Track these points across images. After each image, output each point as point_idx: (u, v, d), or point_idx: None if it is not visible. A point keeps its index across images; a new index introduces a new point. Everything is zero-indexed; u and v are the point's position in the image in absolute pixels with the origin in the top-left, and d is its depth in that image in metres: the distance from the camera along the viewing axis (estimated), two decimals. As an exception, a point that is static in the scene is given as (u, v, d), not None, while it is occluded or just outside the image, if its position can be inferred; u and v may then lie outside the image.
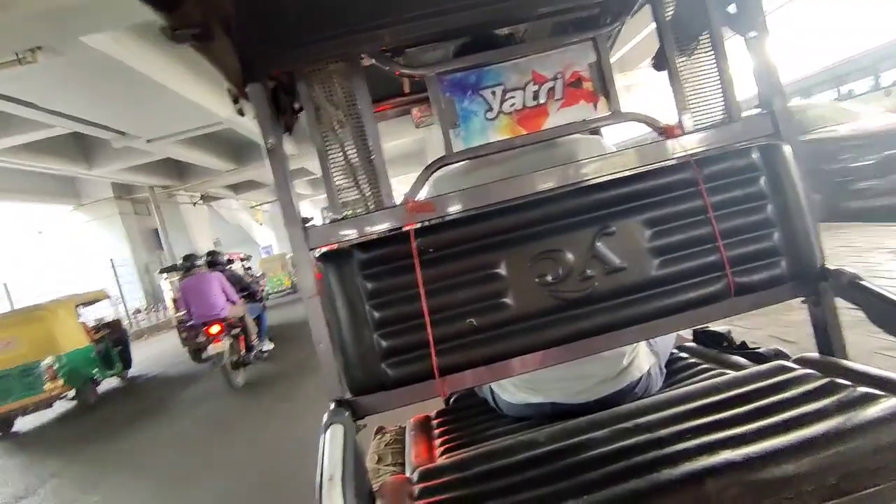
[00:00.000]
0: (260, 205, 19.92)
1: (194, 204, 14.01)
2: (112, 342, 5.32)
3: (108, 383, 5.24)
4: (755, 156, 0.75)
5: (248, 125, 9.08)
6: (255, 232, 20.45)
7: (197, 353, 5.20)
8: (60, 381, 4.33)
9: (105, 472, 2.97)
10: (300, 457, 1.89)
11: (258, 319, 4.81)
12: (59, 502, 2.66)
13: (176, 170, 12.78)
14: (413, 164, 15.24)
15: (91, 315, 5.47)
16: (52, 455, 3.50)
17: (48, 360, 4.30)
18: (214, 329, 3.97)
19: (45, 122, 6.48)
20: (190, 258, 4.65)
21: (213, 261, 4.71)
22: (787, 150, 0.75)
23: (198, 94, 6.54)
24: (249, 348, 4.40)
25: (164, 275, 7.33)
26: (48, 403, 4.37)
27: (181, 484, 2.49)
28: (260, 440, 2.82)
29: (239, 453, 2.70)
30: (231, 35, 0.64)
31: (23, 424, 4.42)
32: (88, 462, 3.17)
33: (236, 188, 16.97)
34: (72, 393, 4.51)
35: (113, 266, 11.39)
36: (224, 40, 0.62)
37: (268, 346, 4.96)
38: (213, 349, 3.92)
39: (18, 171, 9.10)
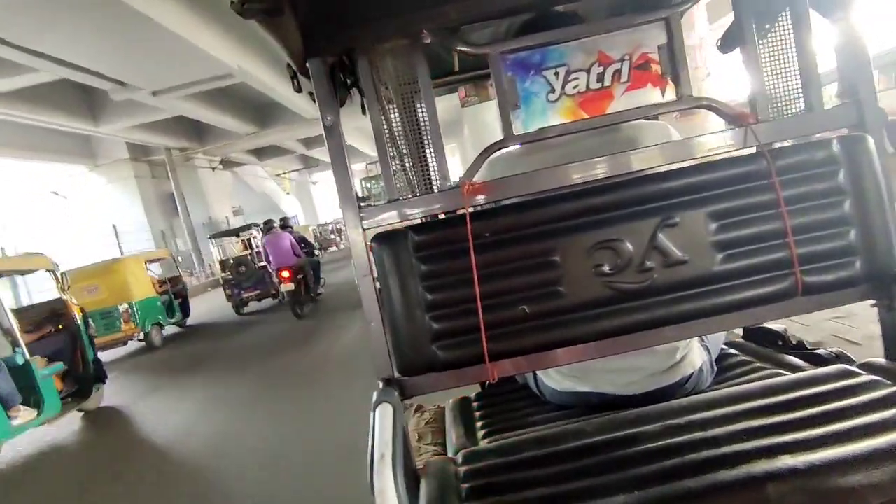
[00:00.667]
0: (286, 173, 19.46)
1: (213, 168, 13.20)
2: (173, 294, 6.13)
3: (170, 330, 6.18)
4: (835, 148, 0.70)
5: (265, 79, 8.13)
6: (282, 201, 19.94)
7: (239, 307, 6.58)
8: (133, 324, 5.30)
9: (186, 391, 3.63)
10: (345, 350, 3.74)
11: (315, 270, 6.37)
12: (163, 407, 3.37)
13: (194, 131, 12.03)
14: (447, 133, 14.41)
15: (156, 270, 6.36)
16: (141, 379, 4.35)
17: (124, 306, 5.27)
18: (286, 274, 5.38)
19: (28, 66, 5.90)
20: (269, 222, 6.19)
21: (285, 224, 6.65)
22: (870, 142, 0.70)
23: (203, 38, 5.98)
24: (308, 290, 5.85)
25: (213, 240, 8.10)
26: (124, 342, 5.40)
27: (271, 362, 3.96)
28: (314, 348, 4.11)
29: (305, 354, 4.00)
30: (296, 10, 0.63)
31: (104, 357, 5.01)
32: (175, 383, 3.89)
33: (259, 154, 16.11)
34: (141, 335, 5.45)
35: (115, 232, 10.46)
36: (289, 15, 0.61)
37: (321, 289, 6.65)
38: (283, 288, 5.44)
39: (27, 126, 8.58)
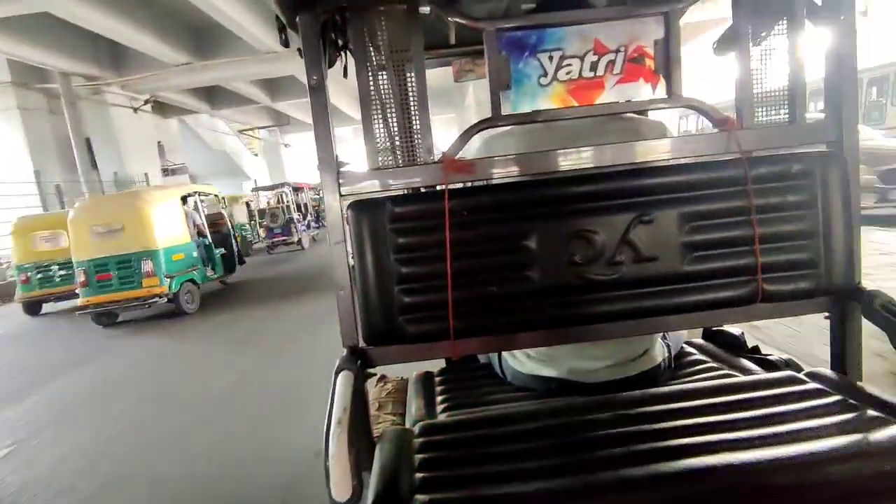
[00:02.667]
0: (251, 129, 15.89)
1: (135, 109, 9.58)
2: (214, 241, 5.42)
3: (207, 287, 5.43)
4: (812, 163, 0.71)
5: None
6: (246, 162, 17.18)
7: (270, 248, 8.53)
8: (156, 280, 4.41)
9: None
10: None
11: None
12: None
13: (107, 55, 8.68)
14: (443, 104, 12.88)
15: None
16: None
17: (146, 255, 4.43)
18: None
19: None
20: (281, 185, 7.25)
21: (296, 188, 7.91)
22: (846, 163, 0.72)
23: None
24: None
25: (255, 193, 9.03)
26: (145, 303, 4.45)
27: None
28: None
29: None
30: None
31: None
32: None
33: (211, 99, 12.30)
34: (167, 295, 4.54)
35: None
36: None
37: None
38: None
39: None
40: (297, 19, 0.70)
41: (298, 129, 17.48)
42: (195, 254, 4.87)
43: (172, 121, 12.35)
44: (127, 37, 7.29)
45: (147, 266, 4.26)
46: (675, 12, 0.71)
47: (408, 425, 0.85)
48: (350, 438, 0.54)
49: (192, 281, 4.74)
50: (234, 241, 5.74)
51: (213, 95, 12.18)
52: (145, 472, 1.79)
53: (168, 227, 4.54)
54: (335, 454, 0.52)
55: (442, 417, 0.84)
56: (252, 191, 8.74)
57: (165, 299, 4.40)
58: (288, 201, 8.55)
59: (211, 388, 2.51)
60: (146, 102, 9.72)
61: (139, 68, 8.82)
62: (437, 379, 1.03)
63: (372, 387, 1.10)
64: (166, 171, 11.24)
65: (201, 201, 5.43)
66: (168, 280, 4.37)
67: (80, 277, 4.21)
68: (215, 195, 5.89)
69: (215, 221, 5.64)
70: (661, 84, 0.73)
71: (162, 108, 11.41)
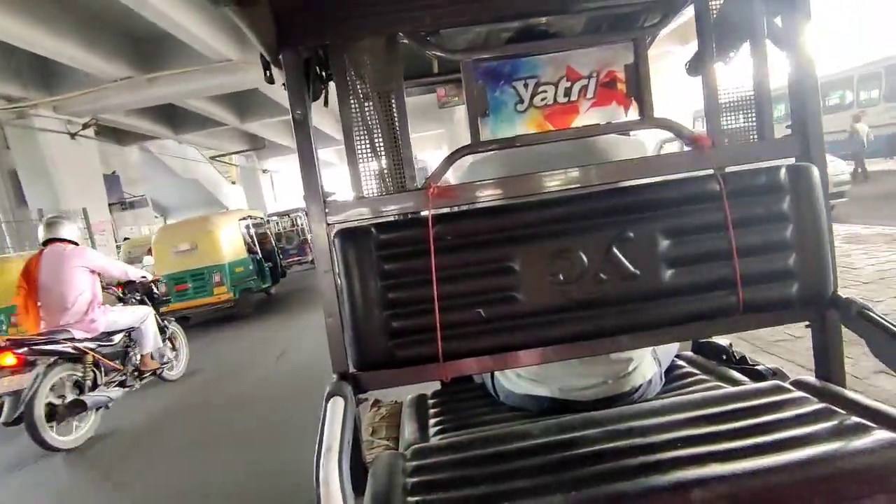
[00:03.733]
0: (223, 155, 14.27)
1: (73, 135, 7.74)
2: (263, 257, 6.21)
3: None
4: (782, 175, 0.73)
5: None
6: (223, 191, 15.77)
7: (284, 269, 7.71)
8: (224, 288, 5.29)
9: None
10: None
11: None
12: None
13: (32, 72, 7.08)
14: (431, 119, 12.01)
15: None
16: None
17: (216, 268, 5.28)
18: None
19: None
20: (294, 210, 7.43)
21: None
22: (815, 172, 0.74)
23: None
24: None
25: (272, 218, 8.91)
26: (215, 308, 5.43)
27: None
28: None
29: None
30: (271, 0, 0.63)
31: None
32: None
33: (173, 124, 10.71)
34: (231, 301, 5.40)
35: None
36: (262, 5, 0.61)
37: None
38: None
39: None
40: (280, 56, 0.72)
41: (277, 152, 15.99)
42: (251, 267, 5.72)
43: (132, 149, 11.21)
44: (47, 48, 5.87)
45: (217, 277, 5.19)
46: (643, 38, 0.74)
47: (401, 449, 0.85)
48: (340, 465, 0.54)
49: (249, 290, 5.67)
50: (277, 256, 6.69)
51: (175, 118, 10.68)
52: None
53: (231, 245, 5.50)
54: (325, 481, 0.52)
55: (435, 440, 0.84)
56: (268, 216, 8.96)
57: (231, 304, 5.31)
58: (301, 224, 8.94)
59: (278, 342, 4.08)
60: (86, 126, 7.90)
61: (73, 86, 7.16)
62: (431, 401, 1.03)
63: (366, 412, 1.10)
64: (123, 205, 10.03)
65: (252, 223, 6.38)
66: (233, 288, 5.29)
67: (162, 289, 4.75)
68: (261, 217, 7.11)
69: (262, 240, 6.46)
70: (634, 106, 0.76)
71: (118, 135, 10.27)
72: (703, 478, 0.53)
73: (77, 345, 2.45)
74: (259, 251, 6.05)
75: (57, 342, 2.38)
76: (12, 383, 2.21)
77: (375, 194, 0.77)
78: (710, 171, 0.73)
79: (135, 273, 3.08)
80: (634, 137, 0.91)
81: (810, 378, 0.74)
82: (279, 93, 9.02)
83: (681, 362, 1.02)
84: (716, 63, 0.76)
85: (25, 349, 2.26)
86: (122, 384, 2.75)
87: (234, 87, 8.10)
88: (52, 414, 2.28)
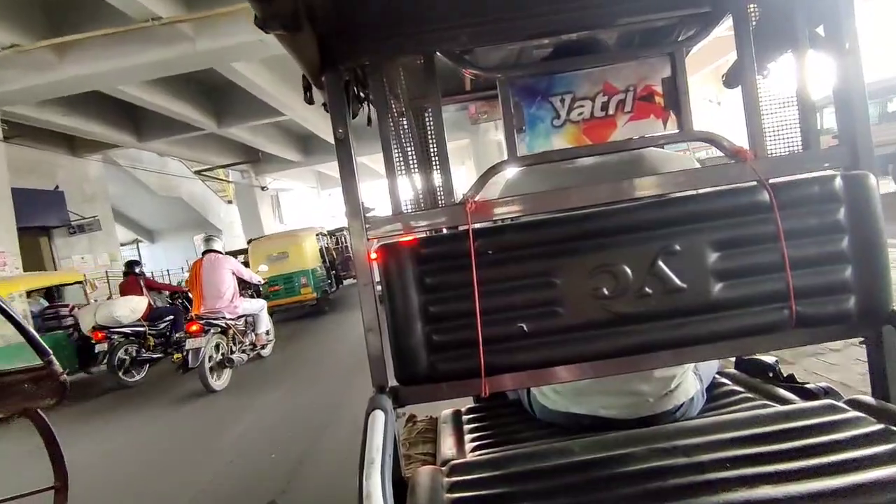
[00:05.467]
0: (209, 170, 12.16)
1: None
2: (330, 266, 7.64)
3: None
4: (836, 185, 0.71)
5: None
6: (214, 211, 13.92)
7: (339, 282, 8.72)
8: (309, 289, 6.73)
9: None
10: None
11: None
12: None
13: None
14: (456, 129, 10.36)
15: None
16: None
17: (303, 273, 6.74)
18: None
19: None
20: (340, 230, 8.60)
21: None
22: (871, 181, 0.71)
23: None
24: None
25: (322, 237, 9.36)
26: (301, 305, 6.95)
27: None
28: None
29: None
30: (314, 25, 0.65)
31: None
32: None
33: (137, 129, 8.69)
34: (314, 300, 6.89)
35: None
36: (308, 30, 0.63)
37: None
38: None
39: None
40: (323, 77, 0.74)
41: (277, 166, 13.47)
42: (325, 273, 7.09)
43: (90, 162, 9.09)
44: None
45: (304, 280, 6.61)
46: (679, 52, 0.74)
47: (438, 464, 0.84)
48: (383, 479, 0.54)
49: (325, 291, 7.07)
50: (337, 267, 7.83)
51: (138, 122, 8.73)
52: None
53: (312, 254, 6.95)
54: (368, 495, 0.53)
55: (472, 456, 0.83)
56: (316, 235, 9.25)
57: (314, 301, 6.77)
58: (346, 242, 9.53)
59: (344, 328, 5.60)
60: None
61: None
62: (466, 417, 1.02)
63: (402, 427, 1.10)
64: (71, 229, 8.09)
65: (322, 237, 7.79)
66: (316, 289, 6.71)
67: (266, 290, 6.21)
68: (327, 233, 8.30)
69: (329, 253, 7.81)
70: (672, 119, 0.76)
71: (72, 143, 8.43)
72: (753, 500, 0.51)
73: (227, 321, 3.88)
74: (328, 261, 7.42)
75: (217, 319, 3.80)
76: (194, 343, 3.54)
77: (413, 209, 0.78)
78: (757, 182, 0.71)
79: (256, 278, 4.62)
80: (683, 154, 0.91)
81: (867, 397, 0.71)
82: (264, 87, 7.45)
83: (723, 379, 0.99)
84: (758, 74, 0.74)
85: (204, 322, 3.69)
86: (243, 352, 4.06)
87: (182, 65, 5.75)
88: (212, 367, 3.62)
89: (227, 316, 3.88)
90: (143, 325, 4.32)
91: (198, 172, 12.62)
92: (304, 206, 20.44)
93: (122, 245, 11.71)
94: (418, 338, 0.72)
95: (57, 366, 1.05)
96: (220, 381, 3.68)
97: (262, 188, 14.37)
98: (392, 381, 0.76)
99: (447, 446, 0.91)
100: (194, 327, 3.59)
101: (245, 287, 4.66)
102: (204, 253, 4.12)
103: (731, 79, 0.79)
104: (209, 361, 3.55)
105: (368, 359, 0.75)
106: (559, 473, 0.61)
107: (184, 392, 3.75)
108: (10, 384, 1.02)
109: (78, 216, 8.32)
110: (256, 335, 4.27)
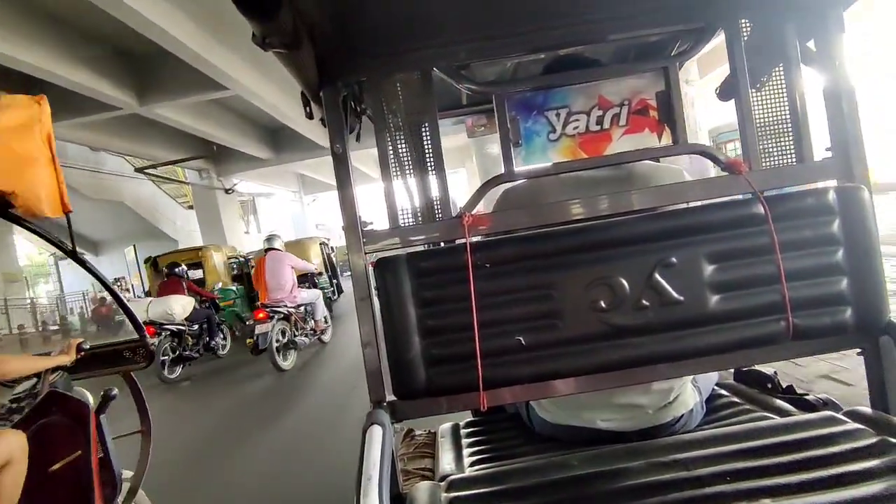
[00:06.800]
0: (153, 167, 9.28)
1: None
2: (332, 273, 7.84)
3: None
4: (830, 197, 0.71)
5: None
6: (167, 218, 11.75)
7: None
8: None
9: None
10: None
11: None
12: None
13: None
14: (449, 130, 9.73)
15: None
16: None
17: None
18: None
19: None
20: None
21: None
22: (865, 194, 0.71)
23: None
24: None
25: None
26: None
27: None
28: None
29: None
30: (313, 43, 0.65)
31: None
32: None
33: (81, 113, 6.61)
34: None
35: None
36: (307, 48, 0.64)
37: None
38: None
39: None
40: (321, 93, 0.74)
41: (245, 163, 10.87)
42: (328, 281, 7.20)
43: None
44: None
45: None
46: (673, 66, 0.75)
47: (437, 479, 0.85)
48: (381, 495, 0.54)
49: (329, 298, 7.04)
50: (338, 275, 8.05)
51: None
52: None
53: (317, 261, 7.15)
54: None
55: (471, 471, 0.83)
56: (319, 244, 8.99)
57: None
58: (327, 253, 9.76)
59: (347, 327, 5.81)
60: None
61: None
62: (465, 431, 1.02)
63: (400, 441, 1.09)
64: None
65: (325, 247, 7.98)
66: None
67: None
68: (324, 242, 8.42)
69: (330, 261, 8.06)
70: (667, 132, 0.76)
71: None
72: None
73: (288, 309, 4.34)
74: (330, 269, 7.61)
75: (279, 307, 4.26)
76: (262, 328, 4.04)
77: (411, 223, 0.78)
78: (752, 195, 0.72)
79: (311, 267, 5.30)
80: (674, 166, 0.91)
81: (865, 409, 0.71)
82: (191, 48, 5.12)
83: (722, 391, 0.98)
84: (750, 87, 0.75)
85: (269, 309, 4.16)
86: (304, 336, 4.52)
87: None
88: (278, 348, 4.06)
89: (288, 305, 4.37)
90: (185, 325, 4.60)
91: (140, 170, 9.86)
92: (286, 213, 18.45)
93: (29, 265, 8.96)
94: (416, 352, 0.72)
95: (148, 339, 1.40)
96: (286, 362, 4.11)
97: (227, 191, 11.53)
98: (390, 396, 0.75)
99: (446, 461, 0.90)
100: (261, 314, 4.08)
101: (303, 280, 5.25)
102: (266, 250, 4.65)
103: (725, 92, 0.79)
104: (276, 343, 4.01)
105: (366, 373, 0.74)
106: (558, 488, 0.61)
107: (256, 372, 4.22)
108: (117, 352, 1.39)
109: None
110: (315, 321, 4.76)
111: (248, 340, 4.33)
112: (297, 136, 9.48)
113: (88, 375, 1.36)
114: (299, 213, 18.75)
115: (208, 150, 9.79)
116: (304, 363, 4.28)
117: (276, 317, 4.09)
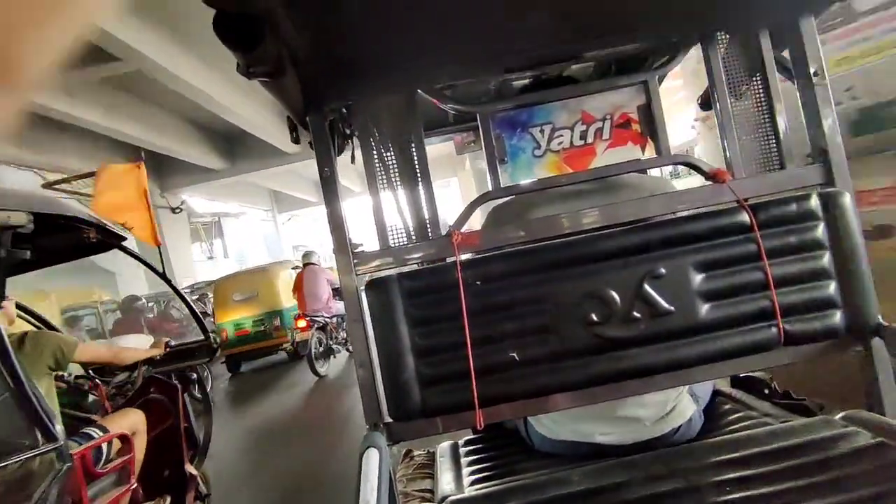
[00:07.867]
0: (65, 181, 5.41)
1: None
2: None
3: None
4: (814, 203, 0.72)
5: None
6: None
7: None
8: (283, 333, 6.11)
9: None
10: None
11: None
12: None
13: None
14: (445, 167, 10.37)
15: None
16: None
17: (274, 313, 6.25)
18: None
19: None
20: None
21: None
22: (847, 198, 0.72)
23: None
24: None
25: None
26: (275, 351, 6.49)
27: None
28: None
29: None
30: (298, 70, 0.66)
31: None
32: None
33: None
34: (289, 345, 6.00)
35: None
36: (291, 75, 0.64)
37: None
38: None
39: None
40: (307, 118, 0.75)
41: (193, 176, 8.91)
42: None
43: None
44: None
45: (276, 322, 6.21)
46: (653, 80, 0.77)
47: (437, 501, 0.84)
48: None
49: None
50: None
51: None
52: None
53: (287, 292, 6.52)
54: None
55: (471, 490, 0.82)
56: (293, 269, 7.86)
57: (292, 346, 6.67)
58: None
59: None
60: None
61: None
62: (464, 450, 1.01)
63: (399, 463, 1.09)
64: None
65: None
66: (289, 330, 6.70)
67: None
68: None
69: None
70: (650, 145, 0.78)
71: None
72: None
73: (326, 319, 4.68)
74: None
75: (318, 317, 4.61)
76: (303, 336, 4.50)
77: (401, 244, 0.78)
78: (737, 203, 0.72)
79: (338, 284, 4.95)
80: (659, 177, 0.93)
81: (862, 411, 0.71)
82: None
83: (719, 399, 0.98)
84: (729, 97, 0.76)
85: (308, 319, 4.56)
86: (339, 344, 4.81)
87: None
88: (317, 355, 4.36)
89: (325, 315, 4.69)
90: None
91: (49, 186, 7.28)
92: (257, 235, 15.84)
93: None
94: (410, 373, 0.72)
95: (213, 339, 1.82)
96: (323, 368, 4.41)
97: (174, 210, 8.86)
98: (386, 418, 0.75)
99: (445, 481, 0.89)
100: (301, 323, 4.49)
101: (337, 292, 5.40)
102: (305, 265, 5.06)
103: (706, 102, 0.80)
104: (314, 350, 4.33)
105: (361, 395, 0.74)
106: None
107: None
108: (190, 350, 1.81)
109: None
110: (346, 331, 4.92)
111: (287, 346, 5.09)
112: (258, 142, 7.86)
113: (166, 367, 1.73)
114: (272, 233, 16.26)
115: (130, 154, 7.25)
116: (341, 370, 4.57)
117: (315, 326, 4.42)
